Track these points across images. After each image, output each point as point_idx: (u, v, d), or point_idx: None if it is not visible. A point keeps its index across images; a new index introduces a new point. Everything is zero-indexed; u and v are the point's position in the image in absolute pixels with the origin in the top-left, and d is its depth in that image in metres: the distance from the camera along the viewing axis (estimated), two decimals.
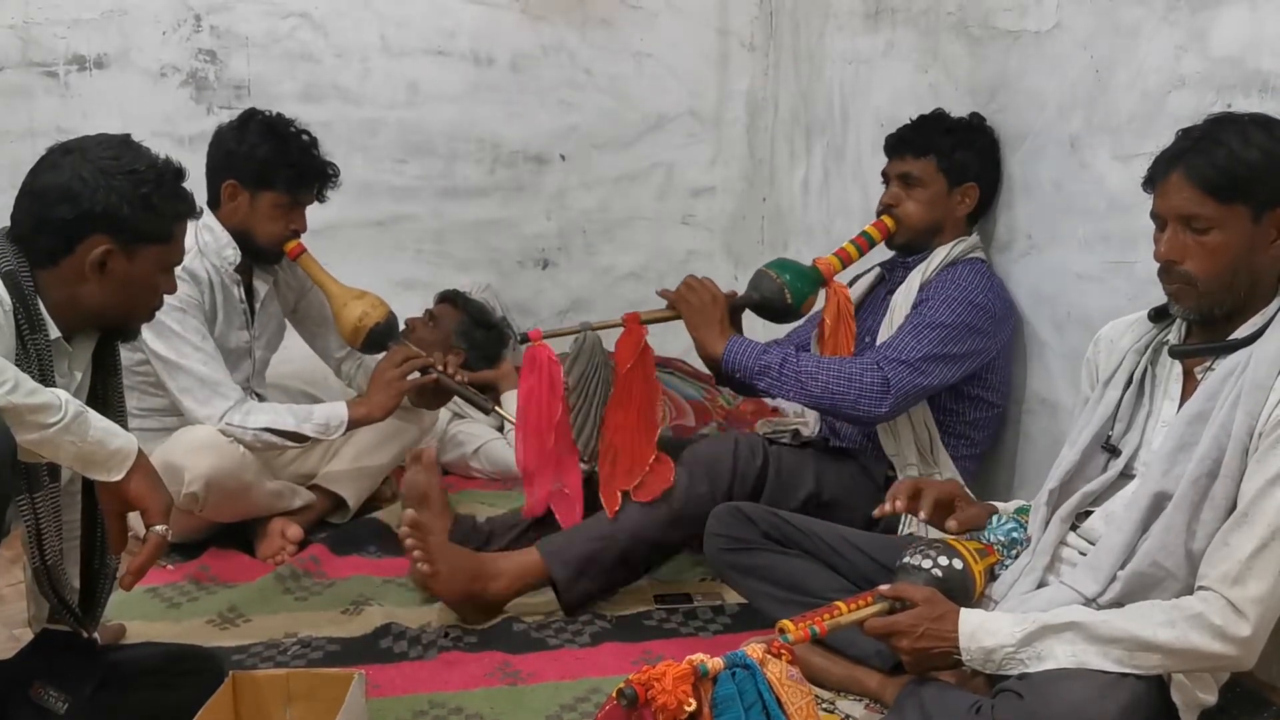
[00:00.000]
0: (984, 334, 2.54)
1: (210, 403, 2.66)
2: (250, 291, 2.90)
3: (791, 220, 3.98)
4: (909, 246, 2.70)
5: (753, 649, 1.64)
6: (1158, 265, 1.83)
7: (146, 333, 2.57)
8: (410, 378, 2.82)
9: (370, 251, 3.87)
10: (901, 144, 2.69)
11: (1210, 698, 1.76)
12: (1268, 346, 1.75)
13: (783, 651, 1.65)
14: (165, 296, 2.55)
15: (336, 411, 2.77)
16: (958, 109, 2.82)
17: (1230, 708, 1.86)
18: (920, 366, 2.44)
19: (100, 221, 1.74)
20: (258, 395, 2.95)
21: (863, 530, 2.43)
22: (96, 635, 1.85)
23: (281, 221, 2.78)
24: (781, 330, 2.92)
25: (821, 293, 2.64)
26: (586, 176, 4.07)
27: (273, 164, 2.73)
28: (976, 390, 2.60)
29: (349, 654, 2.22)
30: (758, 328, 2.96)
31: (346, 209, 3.75)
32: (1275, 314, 1.78)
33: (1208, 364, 1.83)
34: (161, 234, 1.80)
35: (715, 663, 1.60)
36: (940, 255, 2.64)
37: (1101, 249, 2.43)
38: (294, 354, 3.26)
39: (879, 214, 2.73)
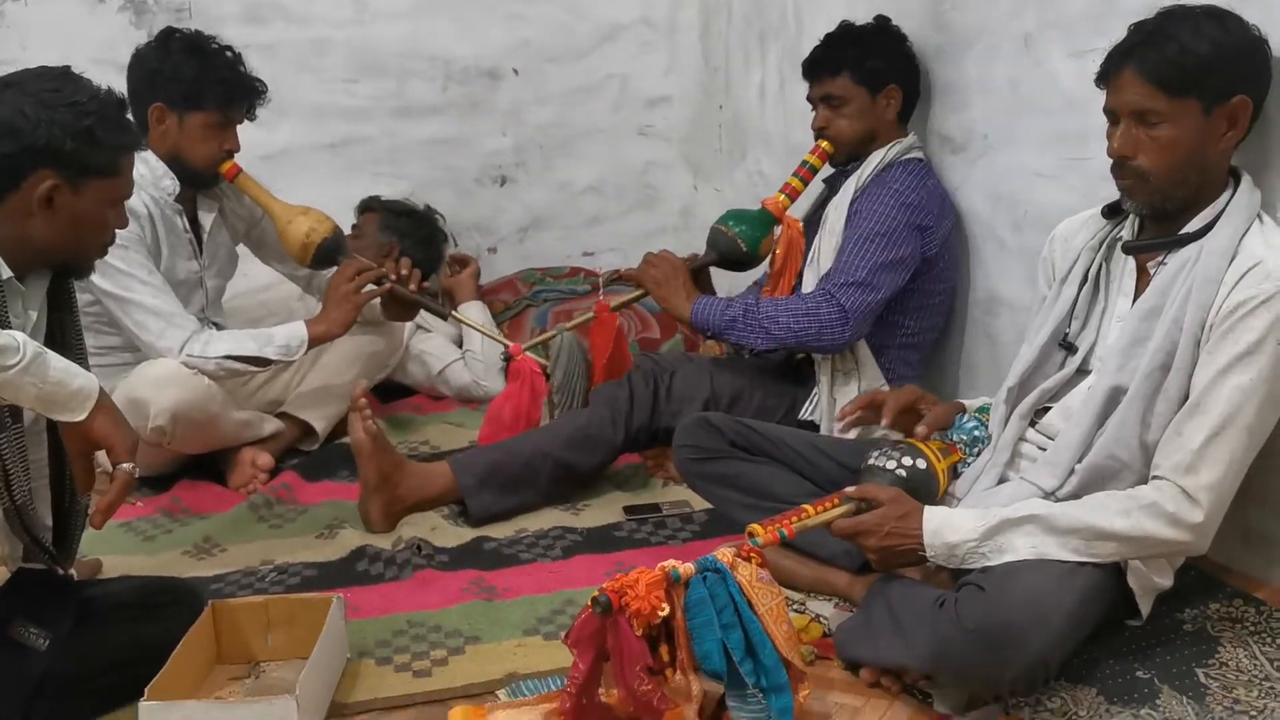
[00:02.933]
0: (923, 230, 2.60)
1: (167, 335, 2.64)
2: (195, 222, 2.86)
3: (749, 127, 3.95)
4: (849, 160, 2.75)
5: (723, 553, 1.68)
6: (1111, 161, 1.85)
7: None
8: (365, 290, 2.81)
9: (324, 175, 3.81)
10: (815, 66, 2.74)
11: (1166, 581, 1.82)
12: (1217, 240, 1.78)
13: (752, 555, 1.70)
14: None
15: (296, 332, 2.75)
16: (911, 10, 2.81)
17: (1185, 591, 1.92)
18: (869, 281, 2.53)
19: (44, 156, 1.72)
20: (216, 325, 2.93)
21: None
22: (73, 571, 1.86)
23: (214, 142, 2.74)
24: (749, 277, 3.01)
25: (777, 230, 2.75)
26: (541, 91, 4.00)
27: (200, 82, 2.67)
28: (910, 283, 2.64)
29: (326, 578, 2.25)
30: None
31: (297, 132, 3.73)
32: (1225, 207, 1.81)
33: (1160, 259, 1.86)
34: (107, 167, 1.78)
35: (687, 568, 1.64)
36: (874, 161, 2.69)
37: (1057, 147, 2.43)
38: (255, 282, 3.24)
39: (815, 139, 2.77)
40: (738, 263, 2.74)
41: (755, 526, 1.73)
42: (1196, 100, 1.76)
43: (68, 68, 1.81)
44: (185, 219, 2.82)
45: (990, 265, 2.71)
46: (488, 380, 3.41)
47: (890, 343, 2.67)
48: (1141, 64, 1.77)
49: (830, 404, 2.60)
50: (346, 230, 3.56)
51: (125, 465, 1.62)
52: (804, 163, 2.77)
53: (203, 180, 2.81)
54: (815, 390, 2.63)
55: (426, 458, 2.95)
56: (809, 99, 2.79)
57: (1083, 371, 1.92)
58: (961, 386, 2.82)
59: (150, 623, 1.82)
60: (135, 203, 2.65)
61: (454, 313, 3.02)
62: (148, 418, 2.55)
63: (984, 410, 2.05)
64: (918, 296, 2.66)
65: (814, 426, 2.60)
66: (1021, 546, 1.70)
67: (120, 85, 3.36)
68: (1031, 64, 2.49)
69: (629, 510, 2.53)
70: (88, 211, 1.78)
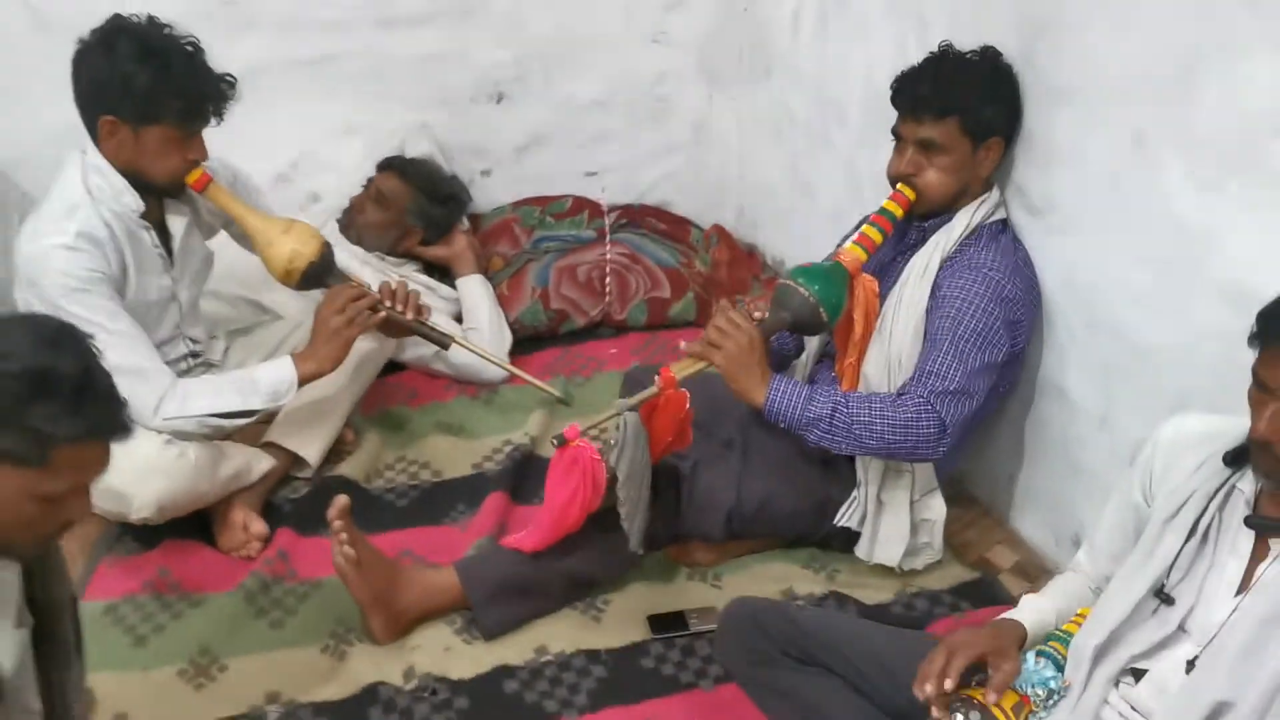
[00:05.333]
0: (1015, 325, 2.33)
1: (139, 395, 2.33)
2: (164, 229, 2.52)
3: (776, 51, 3.52)
4: (929, 216, 2.40)
5: None
6: (1251, 440, 1.61)
7: (60, 306, 2.25)
8: (358, 320, 2.53)
9: (301, 96, 3.37)
10: (919, 105, 2.31)
11: None
12: None
13: None
14: (66, 276, 2.21)
15: (283, 375, 2.49)
16: (1000, 23, 2.42)
17: None
18: (967, 389, 2.26)
19: None
20: (191, 340, 2.65)
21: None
22: None
23: (176, 156, 2.37)
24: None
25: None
26: None
27: (154, 94, 2.27)
28: None
29: None
30: None
31: (269, 49, 3.29)
32: None
33: None
34: (27, 456, 1.40)
35: None
36: (962, 223, 2.38)
37: (1158, 269, 2.14)
38: (224, 254, 2.90)
39: (894, 181, 2.40)
40: (810, 328, 2.34)
41: None
42: None
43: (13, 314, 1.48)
44: (153, 232, 2.48)
45: (1053, 352, 2.45)
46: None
47: None
48: None
49: (877, 508, 2.41)
50: (341, 163, 3.23)
51: None
52: (883, 211, 2.37)
53: (167, 193, 2.46)
54: (855, 492, 2.42)
55: (430, 489, 2.80)
56: (895, 133, 2.40)
57: (1181, 629, 1.75)
58: (1008, 471, 2.64)
59: None
60: (95, 227, 2.33)
61: (457, 340, 2.72)
62: (130, 509, 2.34)
63: (1055, 639, 1.88)
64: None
65: (853, 535, 2.43)
66: None
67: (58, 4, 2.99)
68: (1141, 164, 2.14)
69: (654, 623, 2.37)
70: (9, 503, 1.42)
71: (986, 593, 2.48)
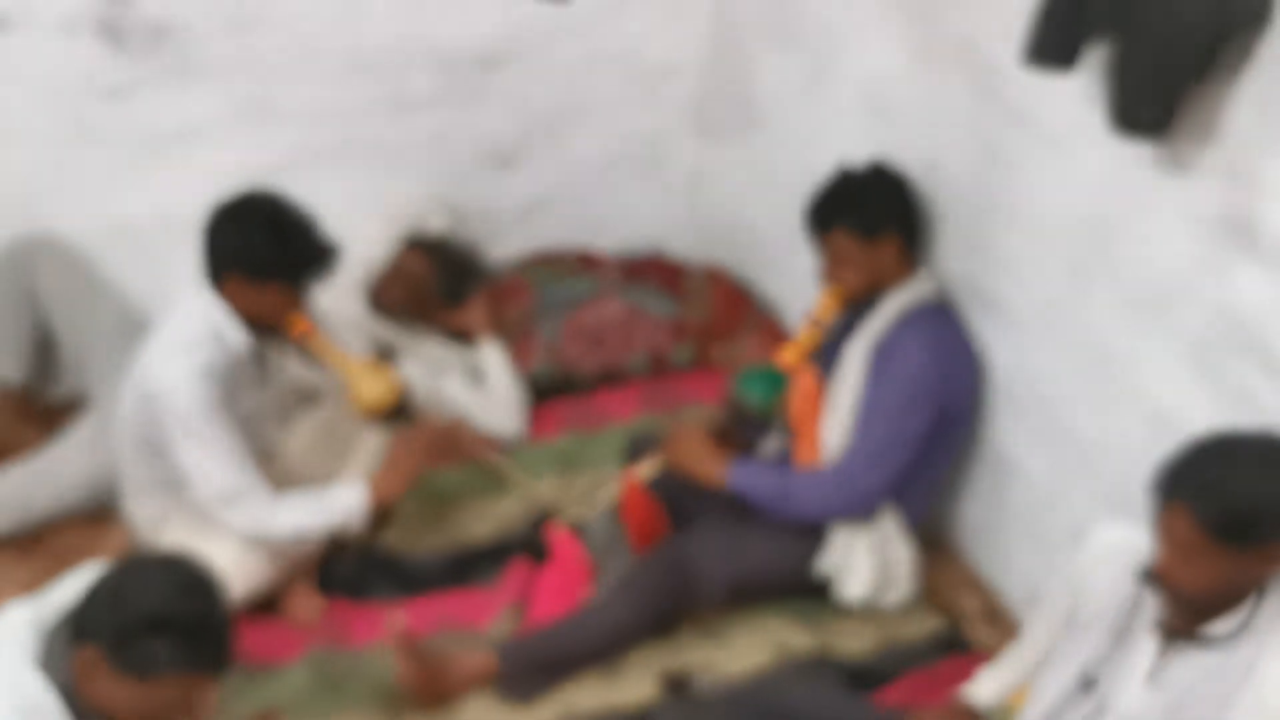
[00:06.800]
0: (935, 397, 2.70)
1: (235, 507, 2.74)
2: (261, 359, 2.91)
3: (763, 112, 3.79)
4: (858, 302, 2.80)
5: None
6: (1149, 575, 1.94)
7: (178, 432, 2.66)
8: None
9: (322, 178, 3.60)
10: (812, 223, 2.77)
11: None
12: (1238, 656, 1.92)
13: None
14: (189, 398, 2.54)
15: (362, 497, 2.83)
16: (956, 144, 2.74)
17: None
18: (882, 460, 2.68)
19: (87, 634, 1.80)
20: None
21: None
22: None
23: (286, 310, 2.78)
24: None
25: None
26: (542, 69, 3.76)
27: (273, 255, 2.69)
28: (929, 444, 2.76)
29: None
30: None
31: (291, 140, 3.57)
32: (1254, 612, 1.94)
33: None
34: (138, 673, 1.79)
35: None
36: (886, 311, 2.74)
37: (1090, 378, 2.47)
38: None
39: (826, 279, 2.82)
40: (749, 421, 2.92)
41: None
42: (1241, 548, 1.85)
43: (181, 569, 1.85)
44: (253, 365, 2.87)
45: (1010, 428, 2.78)
46: (512, 422, 3.48)
47: (905, 488, 2.78)
48: (1196, 508, 1.83)
49: (847, 554, 2.78)
50: (381, 255, 3.59)
51: None
52: (813, 315, 2.82)
53: (274, 333, 2.85)
54: (829, 543, 2.78)
55: (461, 552, 3.14)
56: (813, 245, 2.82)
57: (1103, 710, 2.11)
58: (976, 520, 2.98)
59: None
60: (215, 359, 2.70)
61: (516, 477, 3.20)
62: None
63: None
64: (933, 449, 2.77)
65: (826, 582, 2.81)
66: None
67: (104, 112, 3.30)
68: (1073, 289, 2.47)
69: (664, 680, 2.73)
70: (118, 700, 1.81)
71: (955, 640, 2.86)
